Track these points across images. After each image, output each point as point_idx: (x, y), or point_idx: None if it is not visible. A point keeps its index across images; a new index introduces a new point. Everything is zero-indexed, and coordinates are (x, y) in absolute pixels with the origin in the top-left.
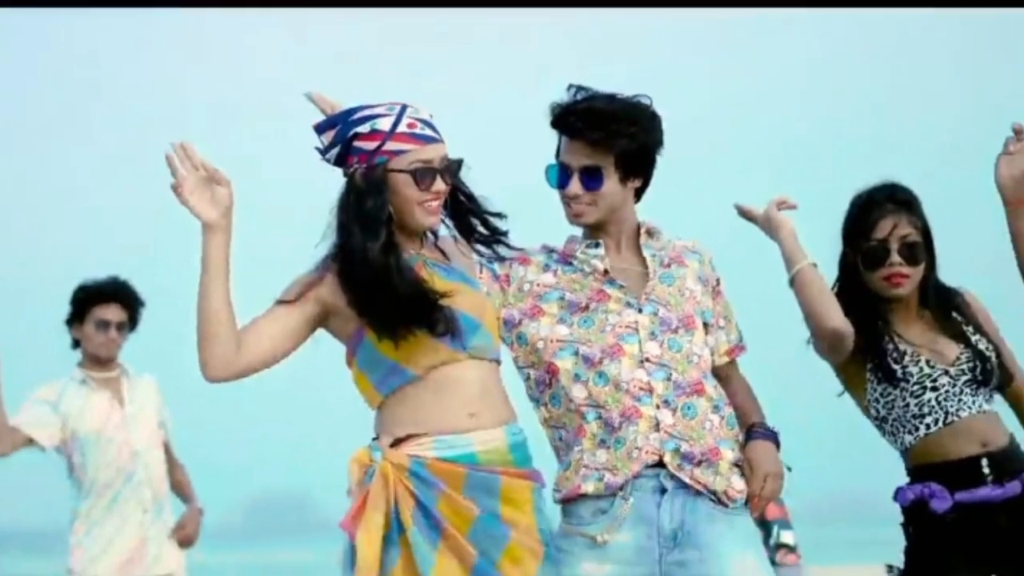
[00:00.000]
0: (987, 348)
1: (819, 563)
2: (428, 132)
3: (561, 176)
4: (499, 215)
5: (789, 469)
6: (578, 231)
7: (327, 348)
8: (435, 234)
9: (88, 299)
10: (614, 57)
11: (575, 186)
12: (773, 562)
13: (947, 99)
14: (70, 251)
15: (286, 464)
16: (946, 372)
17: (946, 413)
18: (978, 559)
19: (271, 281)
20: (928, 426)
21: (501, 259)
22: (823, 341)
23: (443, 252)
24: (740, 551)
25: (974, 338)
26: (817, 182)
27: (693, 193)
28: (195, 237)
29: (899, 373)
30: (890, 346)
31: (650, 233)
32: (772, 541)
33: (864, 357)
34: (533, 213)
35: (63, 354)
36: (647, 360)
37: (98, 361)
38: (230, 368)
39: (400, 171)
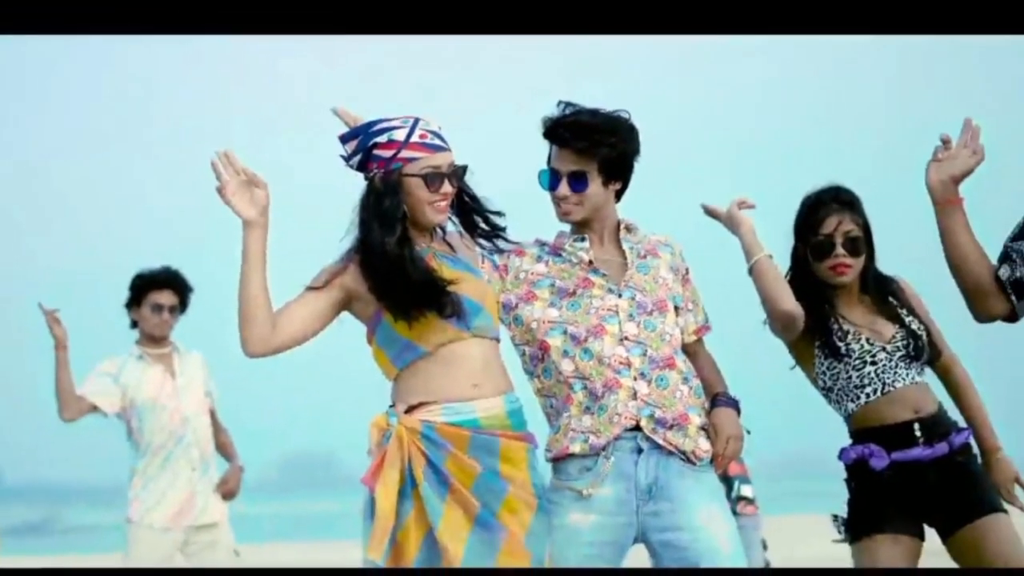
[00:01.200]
0: (919, 328)
1: (774, 513)
2: (437, 142)
3: (552, 180)
4: (498, 213)
5: (748, 432)
6: (566, 227)
7: (350, 328)
8: (443, 229)
9: (144, 286)
10: (597, 77)
11: (564, 188)
12: (734, 512)
13: (883, 113)
14: (129, 244)
15: (315, 428)
16: (883, 348)
17: (883, 384)
18: (910, 509)
19: (302, 270)
20: (868, 395)
21: (500, 251)
22: (777, 322)
23: (450, 245)
24: (706, 503)
25: (907, 319)
26: (772, 185)
27: (665, 194)
28: (236, 232)
29: (843, 349)
30: (835, 326)
31: (628, 229)
32: (733, 494)
33: (813, 336)
34: (528, 212)
35: (123, 333)
36: (626, 338)
37: (153, 339)
38: (266, 345)
39: (413, 175)
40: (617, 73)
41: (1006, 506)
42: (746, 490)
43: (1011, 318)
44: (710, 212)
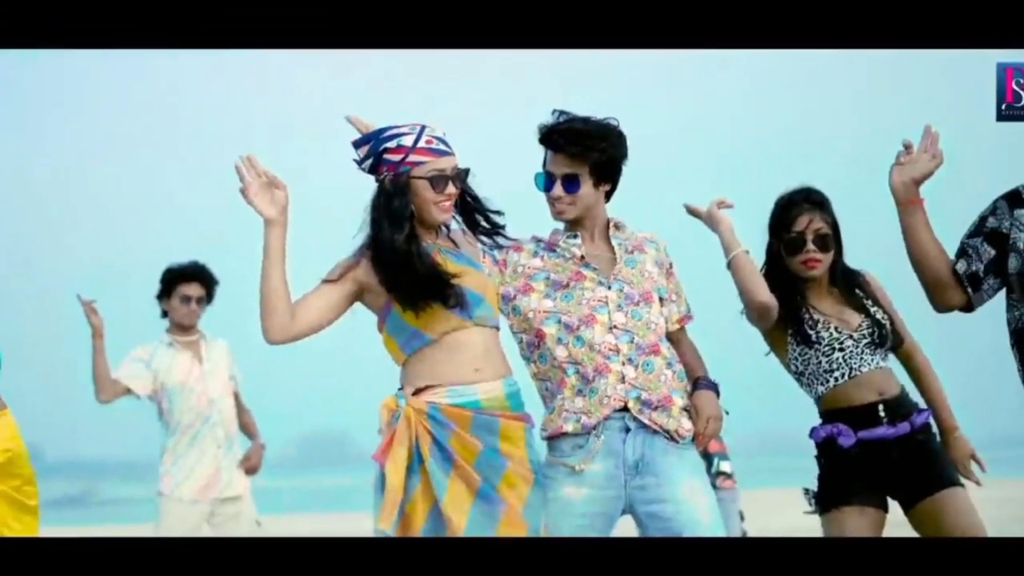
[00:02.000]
0: (883, 317)
1: (750, 487)
2: (442, 147)
3: (547, 182)
4: (498, 212)
5: (727, 412)
6: (560, 225)
7: (362, 318)
8: (447, 227)
9: (174, 279)
10: (589, 87)
11: (558, 190)
12: (714, 486)
13: (850, 120)
14: (160, 241)
15: (330, 409)
16: (850, 336)
17: (850, 369)
18: (875, 484)
19: (318, 265)
20: (836, 379)
21: (500, 247)
22: (754, 312)
23: (454, 242)
24: (688, 477)
25: (872, 309)
26: (748, 186)
27: (651, 195)
28: (258, 230)
29: (813, 337)
30: (806, 316)
31: (617, 227)
32: (713, 470)
33: (786, 325)
34: (525, 211)
35: (154, 322)
36: (615, 327)
37: (182, 328)
38: (286, 334)
39: (420, 178)
40: (607, 84)
41: (963, 480)
42: (725, 466)
43: (967, 309)
44: (692, 211)
